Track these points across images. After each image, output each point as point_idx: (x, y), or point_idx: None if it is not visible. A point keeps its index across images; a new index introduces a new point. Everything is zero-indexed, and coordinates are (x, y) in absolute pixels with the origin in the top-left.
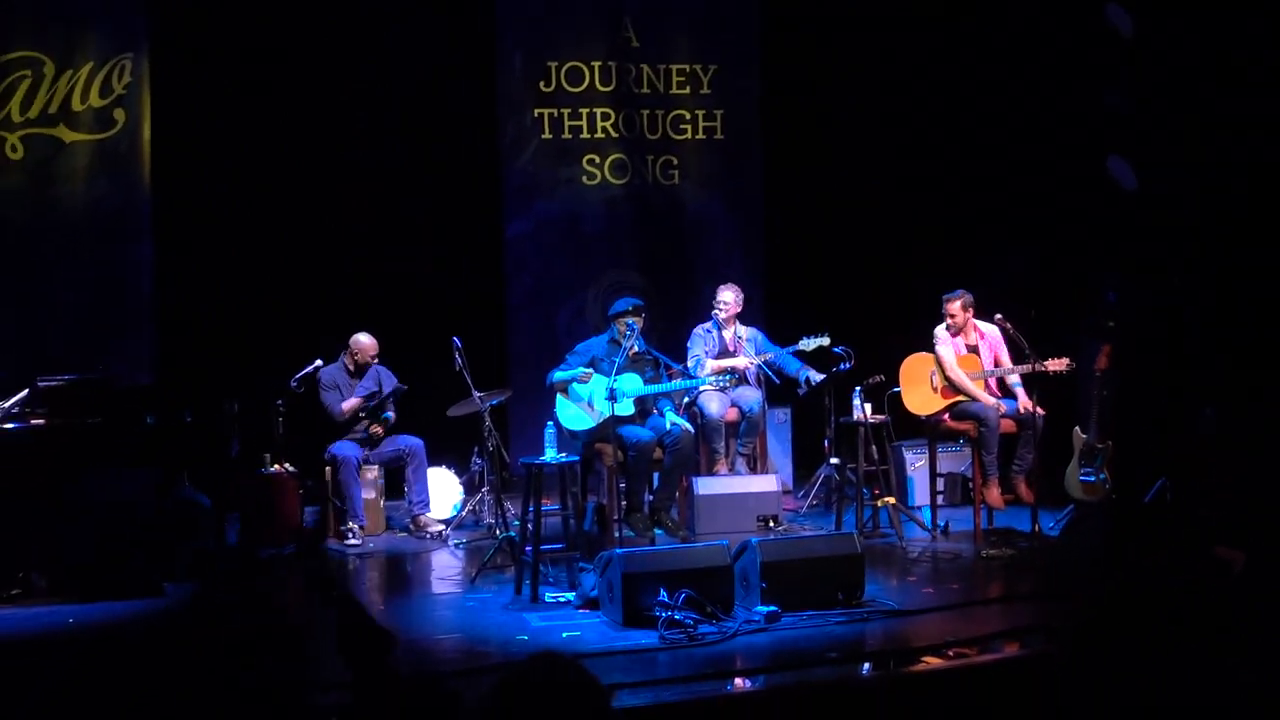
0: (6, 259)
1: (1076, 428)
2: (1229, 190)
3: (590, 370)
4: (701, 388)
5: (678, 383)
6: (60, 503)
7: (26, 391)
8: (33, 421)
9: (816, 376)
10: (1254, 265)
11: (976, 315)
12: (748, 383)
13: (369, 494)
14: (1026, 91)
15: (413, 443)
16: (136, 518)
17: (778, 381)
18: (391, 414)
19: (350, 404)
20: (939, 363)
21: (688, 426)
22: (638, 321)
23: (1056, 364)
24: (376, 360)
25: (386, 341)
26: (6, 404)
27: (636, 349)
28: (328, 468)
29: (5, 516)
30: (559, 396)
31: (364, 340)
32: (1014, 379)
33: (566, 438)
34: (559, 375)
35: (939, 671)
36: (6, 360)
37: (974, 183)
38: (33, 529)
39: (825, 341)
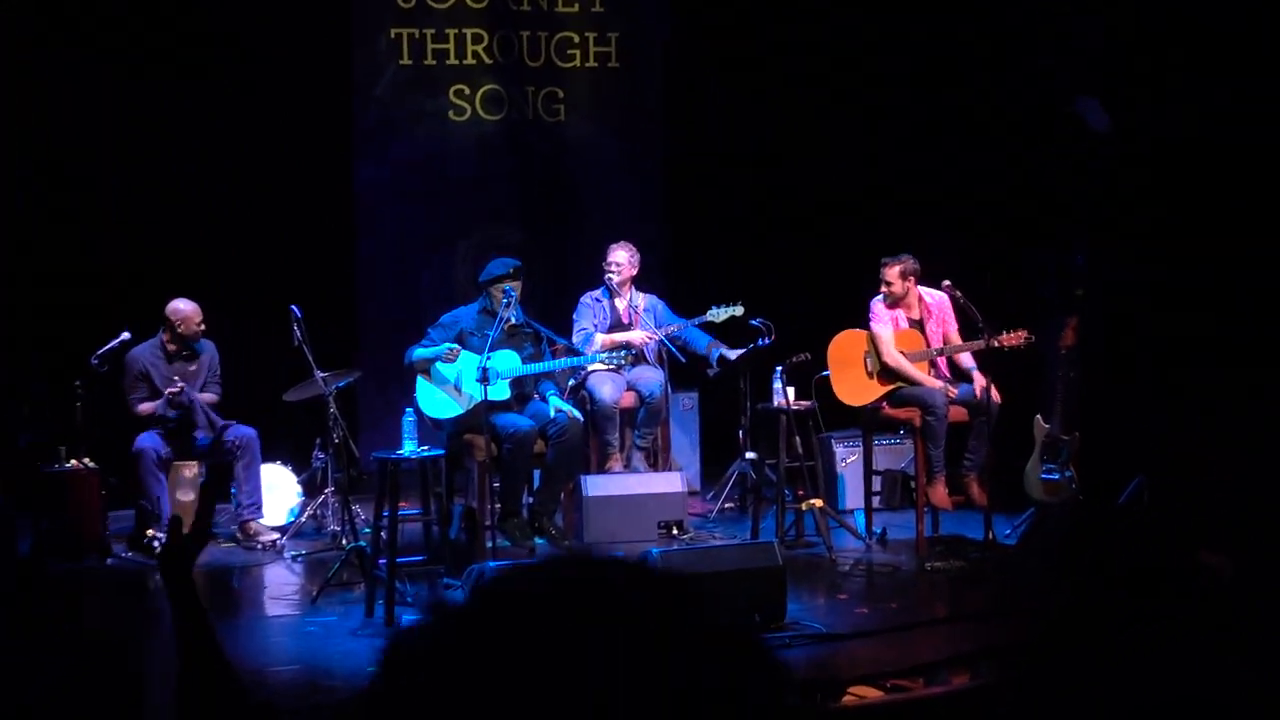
0: None
1: (1038, 416)
2: (1227, 133)
3: (457, 347)
4: (590, 367)
5: (562, 361)
6: None
7: None
8: None
9: (731, 354)
10: (1262, 223)
11: (921, 282)
12: (646, 361)
13: (186, 495)
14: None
15: (243, 434)
16: None
17: (683, 360)
18: (203, 435)
19: (148, 409)
20: (874, 342)
21: (575, 414)
22: (516, 288)
23: (1012, 338)
24: (203, 329)
25: (210, 311)
26: None
27: (514, 321)
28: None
29: None
30: (419, 378)
31: (184, 307)
32: (967, 359)
33: (429, 427)
34: (420, 353)
35: (874, 707)
36: None
37: (921, 124)
38: None
39: (739, 312)
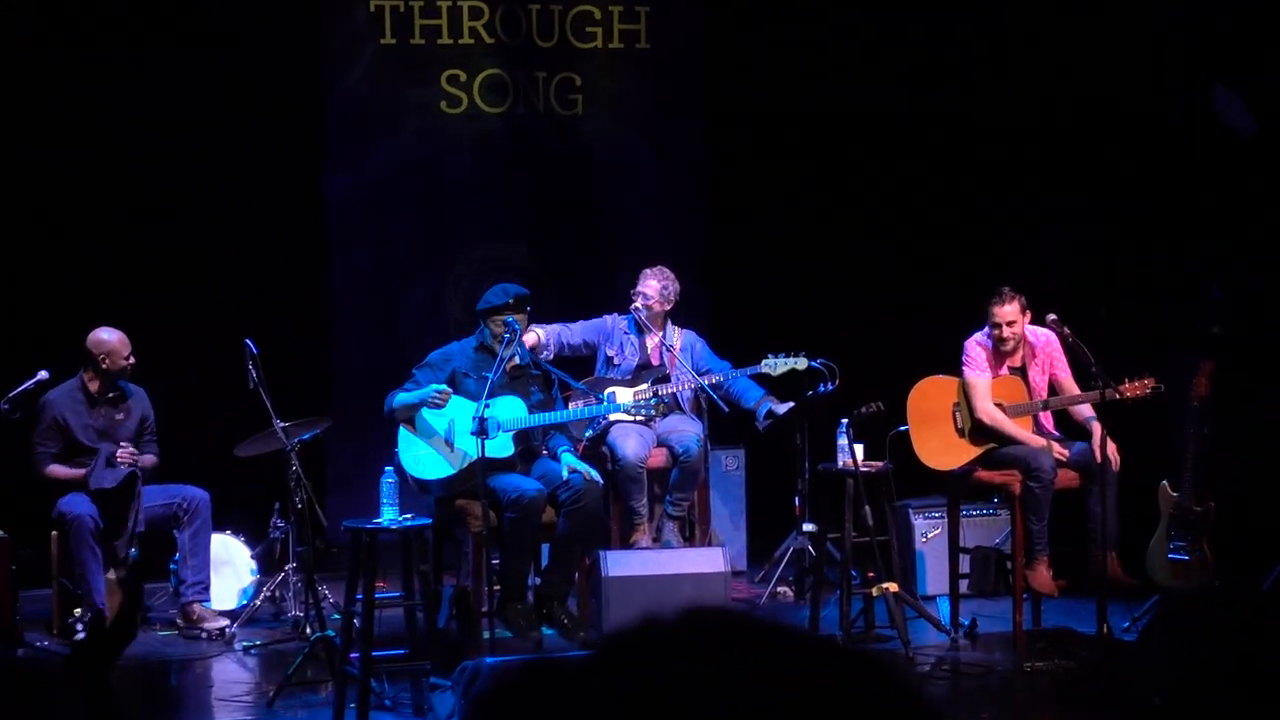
0: None
1: (1164, 483)
2: None
3: (448, 390)
4: (613, 416)
5: (578, 410)
6: None
7: None
8: None
9: (781, 408)
10: None
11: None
12: (681, 410)
13: (115, 570)
14: None
15: (192, 495)
16: None
17: (725, 411)
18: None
19: (60, 473)
20: (966, 392)
21: (594, 475)
22: (521, 320)
23: (1136, 388)
24: (131, 364)
25: (149, 346)
26: None
27: (519, 360)
28: (55, 531)
29: None
30: (402, 430)
31: (108, 337)
32: (1085, 411)
33: (413, 491)
34: (402, 398)
35: None
36: None
37: (1015, 131)
38: None
39: (801, 365)
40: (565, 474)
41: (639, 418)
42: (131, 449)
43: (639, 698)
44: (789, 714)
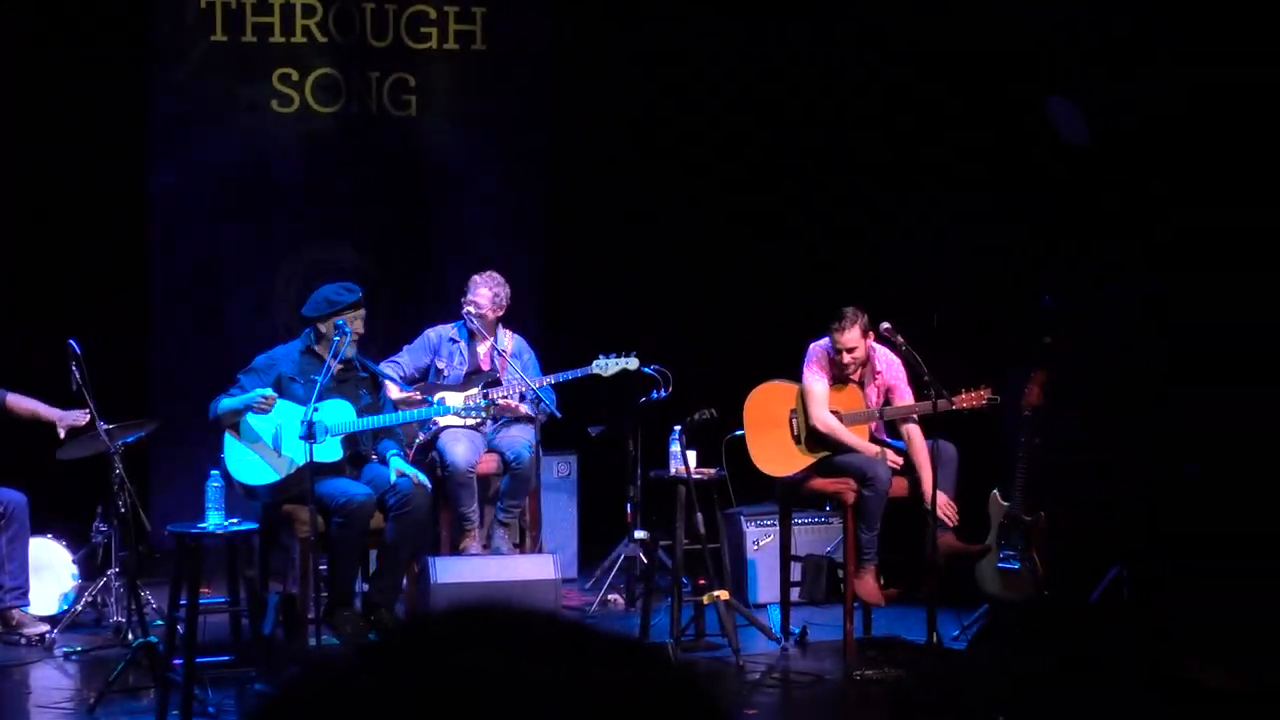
0: None
1: (994, 492)
2: (1217, 134)
3: (273, 394)
4: (442, 420)
5: (408, 413)
6: None
7: None
8: None
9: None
10: (1261, 252)
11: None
12: (514, 414)
13: None
14: None
15: (9, 498)
16: None
17: (558, 415)
18: None
19: None
20: (803, 399)
21: (422, 479)
22: (354, 323)
23: (971, 398)
24: None
25: None
26: None
27: (345, 363)
28: None
29: None
30: (228, 436)
31: None
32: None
33: (239, 496)
34: (226, 403)
35: None
36: None
37: (851, 120)
38: None
39: (632, 365)
40: (394, 478)
41: (469, 420)
42: None
43: (417, 690)
44: (554, 704)
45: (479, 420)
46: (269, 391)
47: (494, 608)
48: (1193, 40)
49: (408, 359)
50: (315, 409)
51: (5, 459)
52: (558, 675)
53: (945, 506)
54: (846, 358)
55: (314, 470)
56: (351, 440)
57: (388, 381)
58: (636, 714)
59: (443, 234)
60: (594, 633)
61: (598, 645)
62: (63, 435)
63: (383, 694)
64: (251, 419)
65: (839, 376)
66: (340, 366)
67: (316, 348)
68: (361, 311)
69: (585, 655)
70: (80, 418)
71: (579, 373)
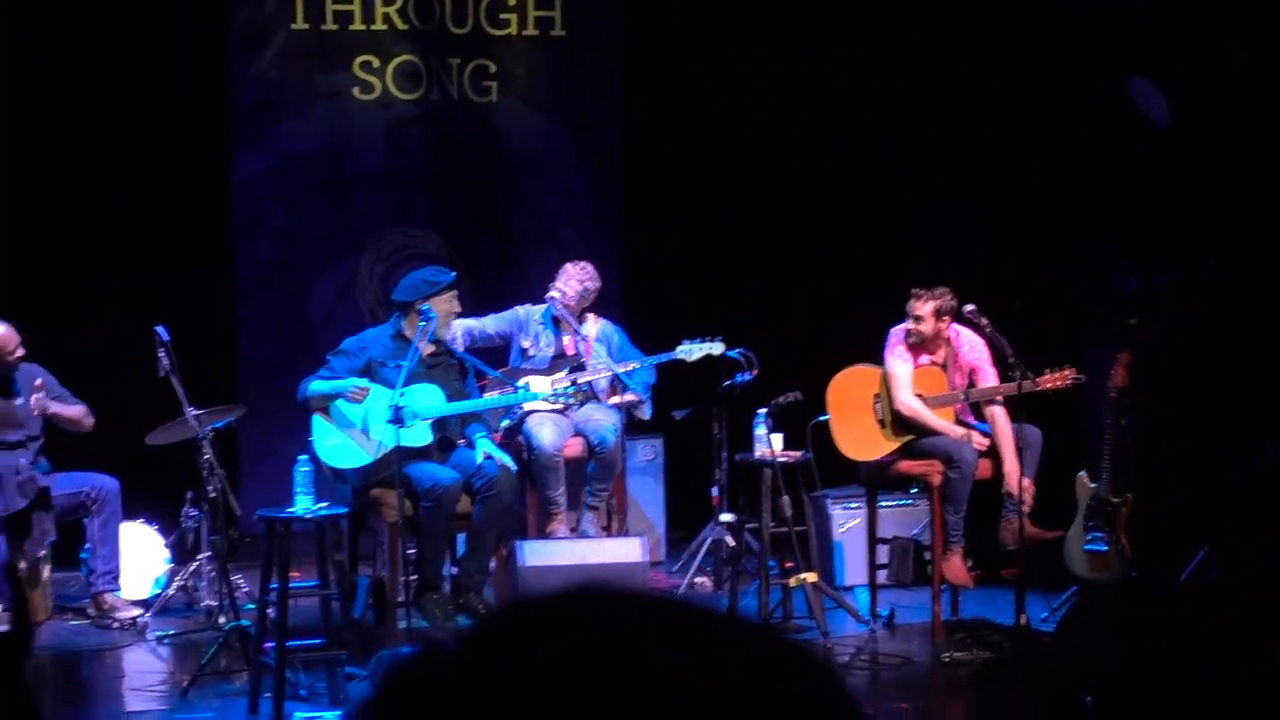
0: None
1: (1081, 474)
2: None
3: (366, 385)
4: (528, 405)
5: (495, 398)
6: None
7: None
8: None
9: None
10: None
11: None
12: (598, 400)
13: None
14: None
15: (102, 484)
16: None
17: (645, 399)
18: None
19: None
20: (886, 383)
21: (509, 464)
22: (445, 306)
23: (1055, 379)
24: (20, 356)
25: (53, 334)
26: None
27: (436, 347)
28: None
29: None
30: (317, 418)
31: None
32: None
33: (328, 480)
34: (317, 386)
35: None
36: None
37: (938, 106)
38: None
39: (717, 350)
40: (480, 460)
41: (557, 406)
42: (41, 397)
43: (515, 675)
44: (676, 688)
45: (565, 405)
46: (364, 383)
47: (594, 589)
48: (1240, 27)
49: (491, 322)
50: (402, 394)
51: (98, 446)
52: (662, 656)
53: (1023, 491)
54: (911, 324)
55: (402, 454)
56: (440, 425)
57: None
58: (748, 690)
59: (523, 221)
60: (703, 612)
61: (706, 625)
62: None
63: (486, 677)
64: (341, 403)
65: (919, 354)
66: (430, 351)
67: (406, 332)
68: (454, 294)
69: (692, 635)
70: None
71: (664, 358)
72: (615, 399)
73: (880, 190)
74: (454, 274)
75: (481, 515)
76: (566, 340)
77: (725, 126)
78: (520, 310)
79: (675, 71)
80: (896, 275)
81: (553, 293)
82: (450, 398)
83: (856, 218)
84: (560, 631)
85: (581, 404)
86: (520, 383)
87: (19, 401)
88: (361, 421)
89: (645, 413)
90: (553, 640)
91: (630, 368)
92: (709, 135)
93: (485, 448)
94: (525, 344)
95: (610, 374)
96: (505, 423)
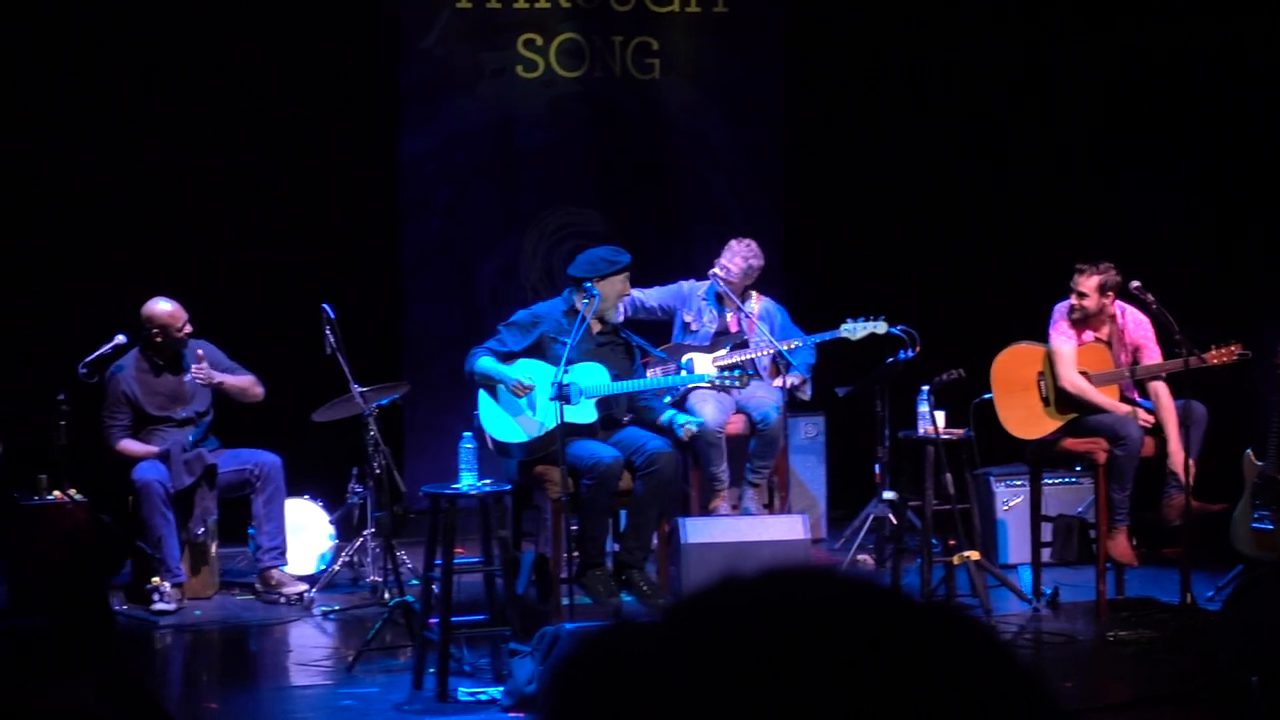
0: None
1: (1248, 451)
2: None
3: (532, 386)
4: (688, 385)
5: (662, 378)
6: None
7: None
8: None
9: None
10: None
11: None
12: (760, 377)
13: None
14: None
15: (265, 460)
16: None
17: (807, 378)
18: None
19: (133, 448)
20: (1051, 360)
21: (698, 426)
22: (618, 286)
23: (1222, 354)
24: (188, 333)
25: (221, 311)
26: None
27: (605, 326)
28: (131, 496)
29: None
30: (483, 393)
31: (160, 309)
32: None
33: (492, 456)
34: (485, 364)
35: None
36: None
37: (1104, 90)
38: None
39: (880, 329)
40: (680, 422)
41: (723, 387)
42: (204, 367)
43: (716, 657)
44: (876, 673)
45: (730, 388)
46: (529, 381)
47: (795, 570)
48: None
49: (654, 295)
50: (565, 371)
51: (263, 422)
52: (859, 638)
53: (1184, 468)
54: (1075, 300)
55: (566, 431)
56: (605, 404)
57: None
58: (951, 681)
59: (685, 198)
60: (904, 599)
61: (910, 612)
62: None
63: (684, 654)
64: (508, 370)
65: (1083, 330)
66: (598, 330)
67: (579, 306)
68: (626, 275)
69: (893, 622)
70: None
71: (827, 336)
72: (778, 381)
73: (1047, 163)
74: (629, 257)
75: (643, 492)
76: (729, 317)
77: (887, 101)
78: (684, 285)
79: (838, 45)
80: (1062, 252)
81: (716, 269)
82: (616, 378)
83: (1020, 192)
84: (754, 613)
85: (745, 387)
86: (683, 358)
87: (188, 378)
88: (528, 396)
89: (806, 393)
90: (746, 622)
91: (793, 345)
92: (871, 110)
93: (677, 419)
94: (688, 319)
95: (772, 352)
96: (667, 400)
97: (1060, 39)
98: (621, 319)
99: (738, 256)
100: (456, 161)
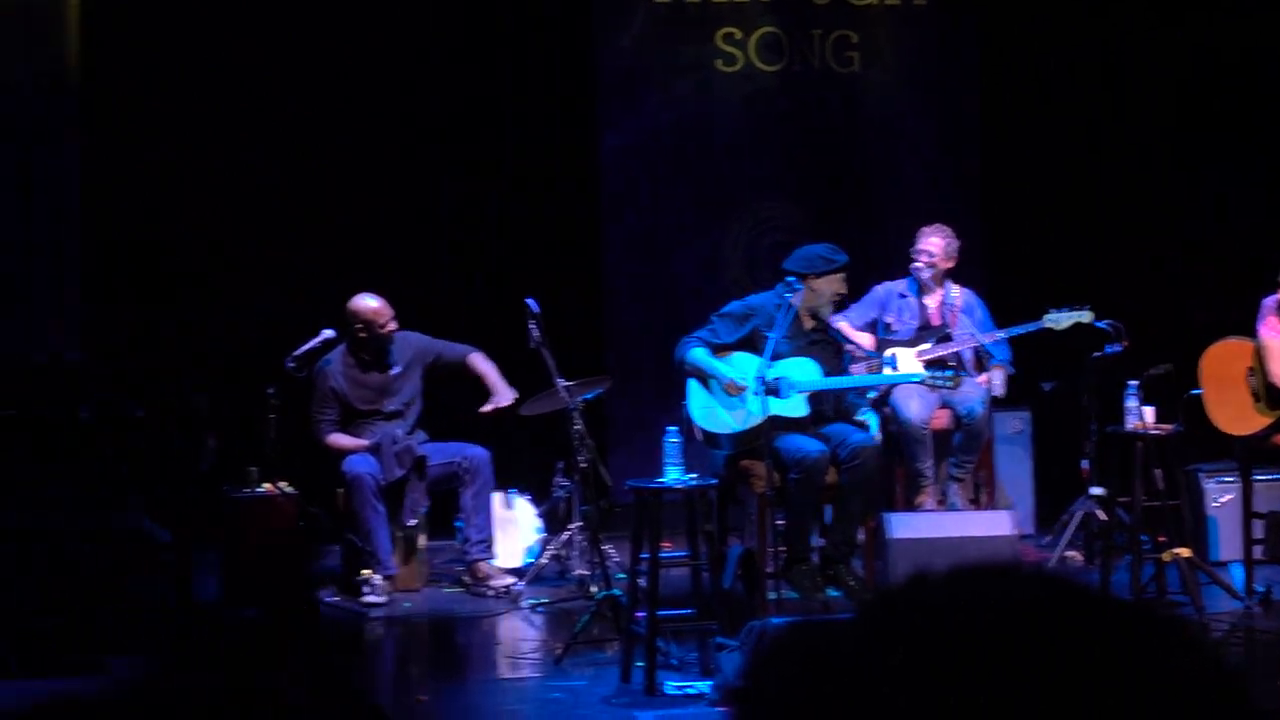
0: None
1: None
2: None
3: (745, 387)
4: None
5: (872, 376)
6: None
7: None
8: None
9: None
10: None
11: None
12: (965, 371)
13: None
14: None
15: (474, 454)
16: (64, 557)
17: (1011, 371)
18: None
19: (342, 442)
20: (1261, 355)
21: (872, 432)
22: (833, 288)
23: None
24: (393, 329)
25: (425, 306)
26: None
27: (817, 323)
28: (341, 489)
29: None
30: (693, 382)
31: (364, 305)
32: None
33: (698, 449)
34: (697, 355)
35: None
36: None
37: None
38: None
39: (1085, 318)
40: (864, 419)
41: (934, 387)
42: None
43: (910, 657)
44: (1072, 674)
45: (941, 389)
46: (742, 381)
47: (990, 567)
48: None
49: (855, 314)
50: (769, 366)
51: (470, 416)
52: (1055, 637)
53: None
54: None
55: (776, 424)
56: (816, 399)
57: (855, 335)
58: (1149, 682)
59: (884, 191)
60: (1102, 597)
61: (1108, 611)
62: (488, 409)
63: (881, 652)
64: (722, 366)
65: None
66: (811, 326)
67: (792, 300)
68: (843, 276)
69: (1089, 621)
70: (506, 399)
71: (1031, 327)
72: (981, 377)
73: (1257, 153)
74: (847, 258)
75: (846, 485)
76: (932, 308)
77: (1087, 91)
78: (879, 289)
79: (1034, 35)
80: (1271, 245)
81: (918, 259)
82: (827, 374)
83: (1229, 181)
84: (951, 612)
85: (957, 388)
86: (886, 354)
87: (395, 371)
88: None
89: (1000, 389)
90: (943, 620)
91: (995, 337)
92: (1069, 100)
93: (869, 417)
94: (888, 319)
95: (975, 344)
96: (871, 395)
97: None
98: (834, 320)
99: (934, 237)
100: (656, 156)
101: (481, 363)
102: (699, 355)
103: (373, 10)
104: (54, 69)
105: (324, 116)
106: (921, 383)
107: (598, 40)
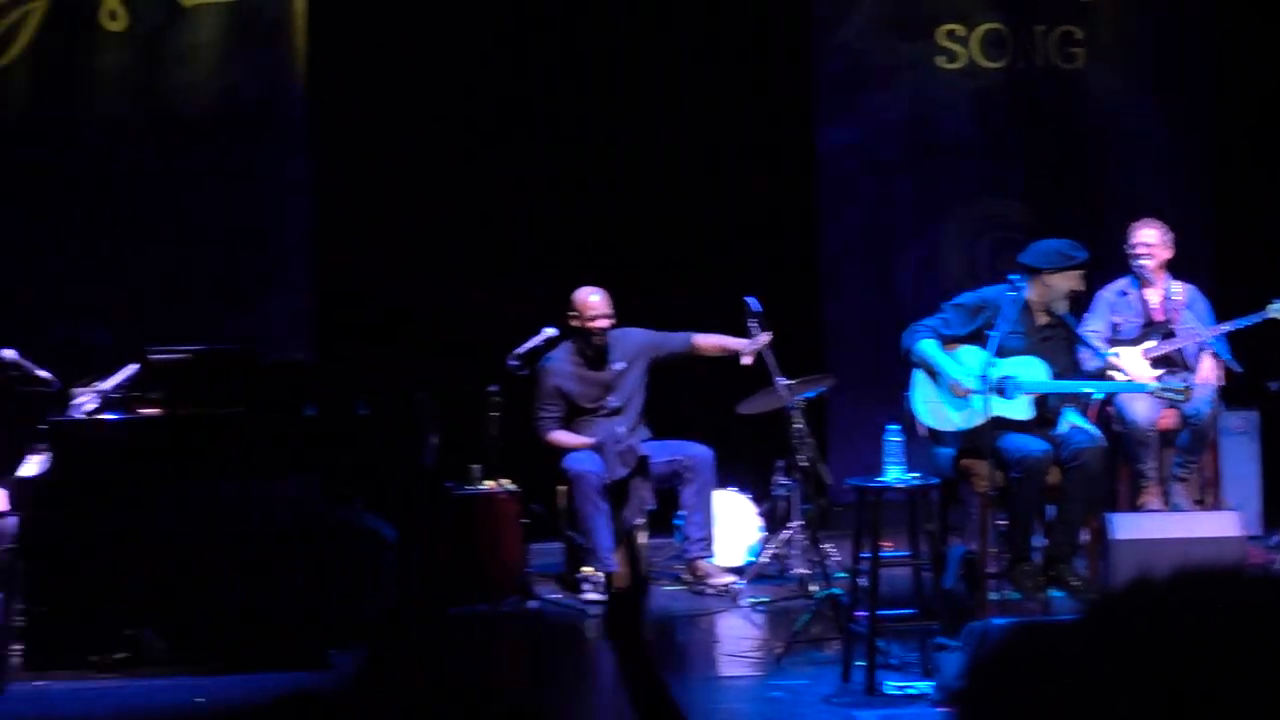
0: (100, 173)
1: None
2: None
3: (970, 390)
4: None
5: (1105, 383)
6: (182, 528)
7: (134, 368)
8: (141, 411)
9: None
10: None
11: None
12: (1189, 368)
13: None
14: None
15: (695, 453)
16: (290, 553)
17: (1239, 369)
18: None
19: (563, 439)
20: None
21: (1096, 434)
22: (1070, 284)
23: None
24: (602, 324)
25: (644, 303)
26: (106, 385)
27: (1051, 319)
28: (561, 487)
29: (103, 547)
30: (919, 374)
31: (582, 296)
32: None
33: (920, 447)
34: (926, 347)
35: None
36: (102, 321)
37: None
38: (143, 565)
39: None
40: (1066, 429)
41: (1164, 398)
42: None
43: (1134, 660)
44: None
45: (1177, 401)
46: (968, 384)
47: (1211, 571)
48: None
49: (1097, 322)
50: (993, 364)
51: (691, 414)
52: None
53: None
54: None
55: (1000, 425)
56: (1041, 401)
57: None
58: None
59: (1111, 188)
60: None
61: None
62: (749, 361)
63: (1104, 654)
64: (949, 364)
65: None
66: (1044, 323)
67: (1027, 295)
68: (1081, 273)
69: None
70: (762, 340)
71: (1255, 318)
72: (1204, 367)
73: None
74: (1087, 254)
75: (1068, 485)
76: (1154, 302)
77: None
78: (1104, 293)
79: (1270, 35)
80: None
81: (1138, 251)
82: (1058, 375)
83: None
84: (1174, 615)
85: (1187, 401)
86: (1109, 351)
87: (617, 367)
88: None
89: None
90: (1167, 623)
91: (1220, 330)
92: None
93: (1070, 418)
94: (1116, 320)
95: (1199, 339)
96: (1097, 396)
97: None
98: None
99: (1147, 229)
100: (876, 153)
101: (707, 338)
102: (928, 348)
103: (614, 15)
104: (282, 68)
105: (553, 115)
106: (1152, 394)
107: (817, 37)
